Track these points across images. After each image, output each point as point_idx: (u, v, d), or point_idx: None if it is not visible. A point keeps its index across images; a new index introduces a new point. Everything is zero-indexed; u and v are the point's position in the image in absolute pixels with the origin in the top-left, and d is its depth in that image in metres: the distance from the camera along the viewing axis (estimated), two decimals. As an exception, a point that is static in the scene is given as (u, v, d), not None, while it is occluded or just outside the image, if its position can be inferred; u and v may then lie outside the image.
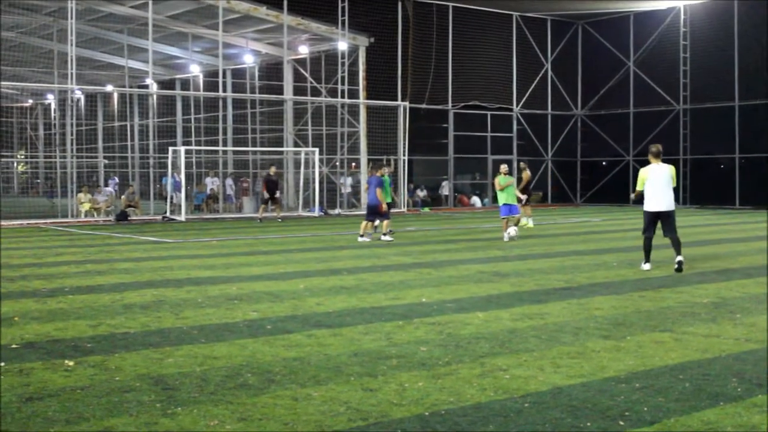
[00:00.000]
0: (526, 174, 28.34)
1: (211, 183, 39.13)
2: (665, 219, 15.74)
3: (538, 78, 47.00)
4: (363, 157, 39.44)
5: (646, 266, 15.89)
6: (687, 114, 43.71)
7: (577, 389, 7.24)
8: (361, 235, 22.91)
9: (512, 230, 22.77)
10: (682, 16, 43.56)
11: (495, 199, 27.77)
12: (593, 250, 19.96)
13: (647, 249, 15.97)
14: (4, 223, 29.54)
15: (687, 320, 10.53)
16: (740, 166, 41.92)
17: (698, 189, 42.85)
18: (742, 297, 12.47)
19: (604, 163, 48.11)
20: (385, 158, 40.73)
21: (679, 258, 15.57)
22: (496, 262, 17.36)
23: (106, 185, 36.59)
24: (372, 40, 39.44)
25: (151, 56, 36.16)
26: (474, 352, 8.69)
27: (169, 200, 34.48)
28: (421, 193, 43.88)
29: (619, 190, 45.70)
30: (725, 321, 10.49)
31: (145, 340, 9.32)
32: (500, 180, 22.87)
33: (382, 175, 23.12)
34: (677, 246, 15.70)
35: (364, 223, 23.26)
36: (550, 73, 47.49)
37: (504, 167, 23.25)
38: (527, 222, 27.98)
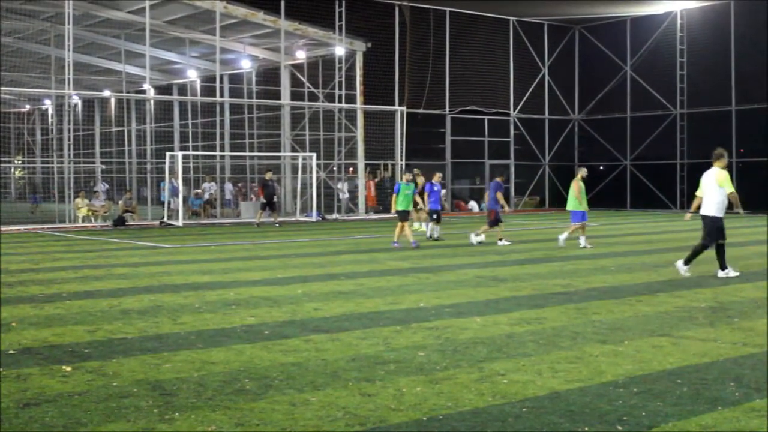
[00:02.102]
0: (420, 180, 28.47)
1: (209, 188, 39.10)
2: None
3: (535, 83, 47.03)
4: (360, 162, 39.45)
5: (683, 269, 15.64)
6: (684, 118, 43.75)
7: (575, 394, 7.23)
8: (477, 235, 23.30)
9: (582, 239, 21.96)
10: (679, 21, 43.63)
11: (561, 203, 26.28)
12: (591, 255, 19.96)
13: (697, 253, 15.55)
14: (1, 228, 29.49)
15: (685, 325, 10.54)
16: (737, 171, 41.95)
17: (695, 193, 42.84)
18: (740, 301, 12.48)
19: (601, 167, 48.14)
20: (383, 163, 40.76)
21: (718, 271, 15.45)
22: (494, 267, 17.36)
23: (94, 191, 36.44)
24: (369, 45, 39.47)
25: (148, 61, 36.15)
26: (472, 356, 8.68)
27: (166, 205, 34.45)
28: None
29: (617, 195, 45.80)
30: (723, 325, 10.50)
31: (143, 346, 9.31)
32: (580, 185, 22.03)
33: (410, 181, 22.43)
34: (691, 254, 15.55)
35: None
36: (547, 77, 47.54)
37: (583, 171, 22.60)
38: (420, 225, 28.17)
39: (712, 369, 8.13)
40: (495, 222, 22.89)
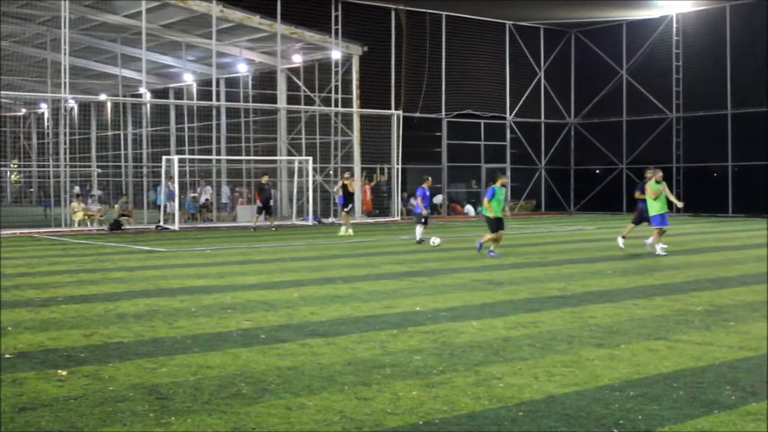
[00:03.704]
0: (351, 183, 29.41)
1: (204, 192, 39.08)
2: None
3: (531, 86, 47.07)
4: (357, 165, 39.45)
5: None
6: (680, 122, 43.81)
7: (571, 398, 7.24)
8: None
9: (659, 246, 20.84)
10: (675, 25, 43.70)
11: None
12: (587, 259, 19.98)
13: None
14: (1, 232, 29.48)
15: (681, 328, 10.54)
16: (733, 174, 42.03)
17: (692, 197, 42.82)
18: (736, 305, 12.49)
19: (597, 171, 48.19)
20: (379, 166, 40.76)
21: None
22: (490, 271, 17.35)
23: (78, 195, 36.34)
24: (365, 48, 39.50)
25: (144, 65, 36.15)
26: (468, 360, 8.68)
27: (162, 209, 34.43)
28: (415, 202, 43.80)
29: (613, 198, 45.82)
30: (719, 329, 10.50)
31: (139, 350, 9.30)
32: (653, 187, 20.53)
33: (503, 185, 21.30)
34: None
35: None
36: (543, 81, 47.58)
37: (660, 174, 20.74)
38: (347, 231, 28.61)
39: (708, 372, 8.14)
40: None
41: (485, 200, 20.62)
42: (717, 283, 15.11)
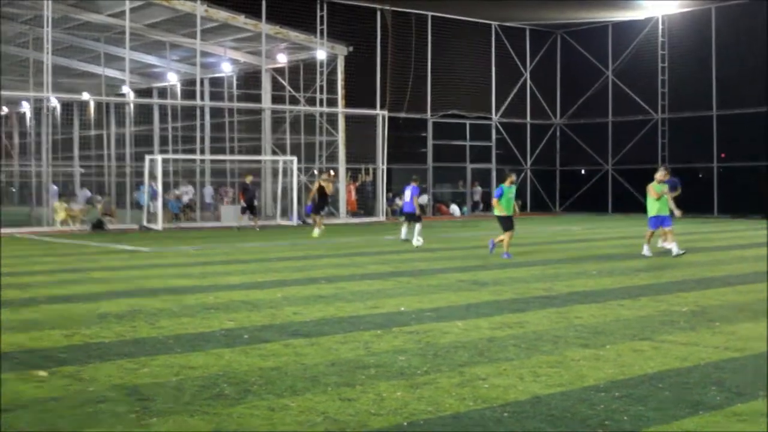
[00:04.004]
0: (329, 186, 28.86)
1: (186, 192, 38.93)
2: None
3: (517, 87, 47.14)
4: (341, 165, 39.41)
5: None
6: (665, 123, 43.96)
7: (556, 398, 7.22)
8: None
9: (670, 244, 20.41)
10: (660, 26, 43.84)
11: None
12: (573, 259, 19.99)
13: None
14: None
15: (666, 329, 10.54)
16: (719, 175, 42.19)
17: (677, 198, 42.95)
18: (721, 305, 12.51)
19: (582, 171, 48.29)
20: (364, 167, 40.72)
21: None
22: (475, 271, 17.35)
23: (61, 195, 36.14)
24: (351, 48, 39.45)
25: (128, 65, 35.97)
26: (453, 361, 8.65)
27: (145, 209, 34.30)
28: (400, 202, 43.75)
29: (598, 199, 45.94)
30: (704, 329, 10.51)
31: (120, 350, 9.23)
32: (656, 188, 20.32)
33: (512, 184, 20.91)
34: None
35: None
36: (529, 82, 47.66)
37: (662, 173, 20.60)
38: (316, 233, 27.95)
39: (693, 373, 8.14)
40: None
41: (494, 200, 20.62)
42: (702, 284, 15.14)
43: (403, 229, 25.45)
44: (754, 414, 6.79)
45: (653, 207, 20.34)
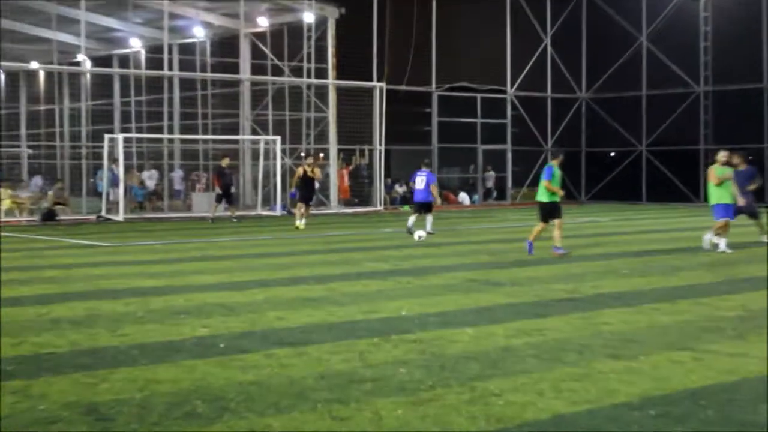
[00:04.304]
0: (317, 171, 28.91)
1: (149, 177, 38.91)
2: None
3: (536, 56, 47.14)
4: (332, 146, 39.43)
5: None
6: (708, 97, 43.95)
7: (582, 417, 7.24)
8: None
9: (722, 242, 20.29)
10: (703, -16, 43.84)
11: (705, 197, 24.75)
12: (601, 255, 20.03)
13: None
14: None
15: (710, 337, 10.56)
16: (769, 158, 42.20)
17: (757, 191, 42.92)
18: (773, 309, 12.54)
19: (612, 154, 48.32)
20: (358, 148, 40.72)
21: None
22: (488, 269, 17.37)
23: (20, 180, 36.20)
24: (343, 11, 39.40)
25: (83, 28, 35.94)
26: (462, 374, 8.67)
27: (104, 197, 34.29)
28: (400, 189, 43.90)
29: (631, 186, 45.92)
30: (754, 337, 10.53)
31: (76, 362, 9.24)
32: (717, 171, 20.02)
33: (559, 164, 20.57)
34: None
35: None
36: (549, 49, 47.64)
37: (723, 154, 20.27)
38: (300, 224, 27.88)
39: (741, 388, 8.16)
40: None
41: (544, 182, 19.83)
42: (752, 284, 15.15)
43: (411, 219, 25.63)
44: (812, 436, 6.81)
45: (714, 194, 20.14)
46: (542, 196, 20.06)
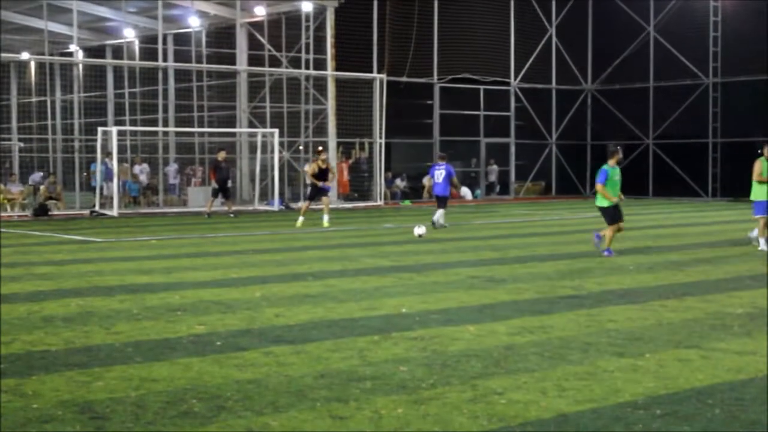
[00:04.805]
0: (323, 160, 27.98)
1: (141, 171, 38.92)
2: None
3: (540, 46, 47.11)
4: (331, 140, 39.41)
5: None
6: (717, 89, 43.94)
7: (586, 416, 7.27)
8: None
9: (762, 240, 19.81)
10: (712, -27, 43.79)
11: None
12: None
13: None
14: None
15: (717, 334, 10.59)
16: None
17: (731, 179, 42.99)
18: (783, 306, 12.57)
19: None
20: (358, 141, 40.73)
21: None
22: (490, 265, 17.39)
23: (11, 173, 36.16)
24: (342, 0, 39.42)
25: (76, 18, 35.93)
26: (464, 372, 8.71)
27: (98, 191, 34.30)
28: (401, 183, 43.92)
29: (637, 180, 45.83)
30: (762, 335, 10.55)
31: (70, 360, 9.27)
32: (764, 165, 19.61)
33: (618, 163, 20.00)
34: None
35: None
36: (554, 39, 47.63)
37: None
38: (323, 220, 27.39)
39: (749, 387, 8.18)
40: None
41: (598, 185, 19.23)
42: (761, 281, 15.17)
43: (437, 213, 26.33)
44: (820, 435, 6.85)
45: (758, 191, 19.63)
46: (600, 200, 19.34)
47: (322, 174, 27.67)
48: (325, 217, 27.47)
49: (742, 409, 7.47)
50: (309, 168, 28.84)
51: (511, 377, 8.51)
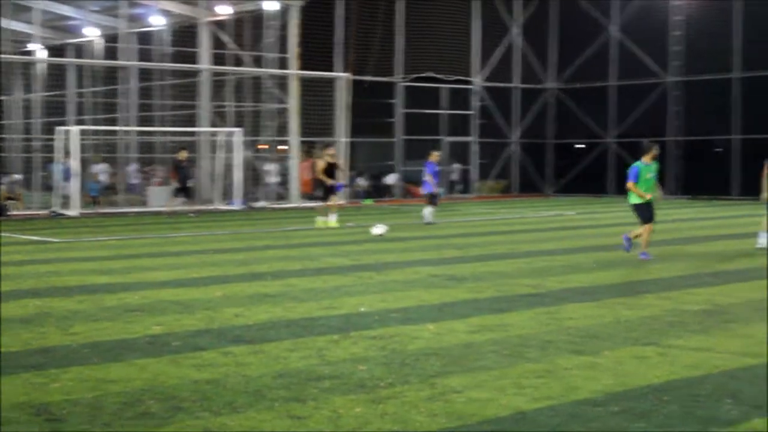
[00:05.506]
0: (331, 155, 27.40)
1: (101, 171, 38.66)
2: None
3: (503, 45, 47.23)
4: (294, 138, 39.35)
5: None
6: (679, 87, 44.22)
7: (544, 414, 7.29)
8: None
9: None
10: (673, -28, 44.07)
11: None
12: (566, 250, 20.12)
13: None
14: None
15: (674, 331, 10.66)
16: (740, 150, 42.49)
17: (690, 176, 43.36)
18: (739, 303, 12.67)
19: (580, 146, 48.52)
20: (321, 140, 40.70)
21: None
22: (450, 264, 17.43)
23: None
24: (306, -1, 39.38)
25: (37, 16, 35.63)
26: (423, 371, 8.71)
27: (58, 191, 34.06)
28: (363, 182, 43.89)
29: (598, 178, 46.15)
30: (718, 332, 10.64)
31: (26, 361, 9.19)
32: None
33: (654, 160, 19.34)
34: None
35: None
36: (517, 38, 47.76)
37: None
38: (326, 220, 26.99)
39: (705, 383, 8.24)
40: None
41: (629, 183, 18.34)
42: (718, 278, 15.30)
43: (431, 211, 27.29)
44: (774, 431, 6.91)
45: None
46: (633, 197, 18.45)
47: (331, 170, 26.90)
48: (332, 217, 26.90)
49: (698, 405, 7.52)
50: (318, 166, 27.73)
51: (469, 375, 8.52)
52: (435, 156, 28.16)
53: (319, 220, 27.14)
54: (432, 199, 27.47)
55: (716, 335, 10.45)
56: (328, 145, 28.19)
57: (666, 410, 7.39)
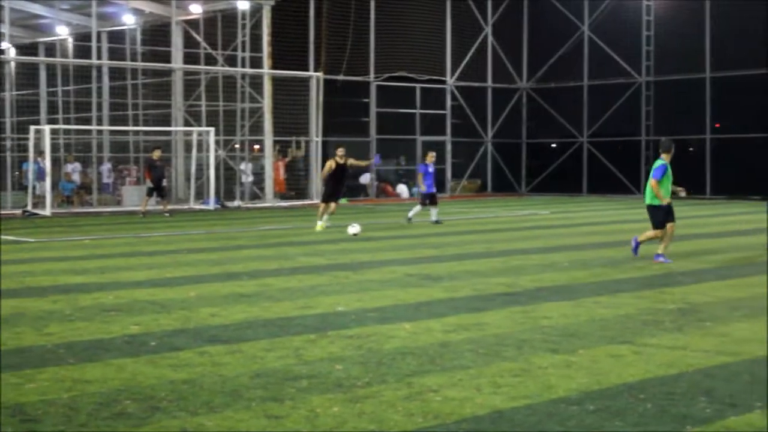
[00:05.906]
0: (343, 159, 26.17)
1: (72, 170, 38.46)
2: None
3: (476, 45, 47.31)
4: (268, 138, 39.25)
5: None
6: (650, 87, 44.44)
7: (520, 413, 7.31)
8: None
9: None
10: (645, -27, 44.26)
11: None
12: (541, 249, 20.18)
13: None
14: None
15: (649, 330, 10.72)
16: (712, 149, 42.73)
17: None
18: (714, 302, 12.74)
19: (553, 145, 48.68)
20: (294, 139, 40.67)
21: None
22: (426, 263, 17.44)
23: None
24: (279, -3, 39.30)
25: (7, 14, 35.43)
26: (399, 370, 8.72)
27: (30, 191, 33.88)
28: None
29: (571, 178, 46.30)
30: (693, 331, 10.70)
31: (1, 362, 9.15)
32: None
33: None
34: None
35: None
36: (490, 38, 47.86)
37: None
38: (321, 224, 25.61)
39: (680, 382, 8.28)
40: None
41: (652, 181, 17.35)
42: (692, 277, 15.39)
43: (433, 211, 27.45)
44: (749, 429, 6.94)
45: None
46: (652, 198, 17.59)
47: (340, 171, 26.03)
48: (321, 222, 25.63)
49: (673, 404, 7.56)
50: (325, 166, 26.65)
51: (446, 374, 8.54)
52: (430, 157, 28.18)
53: (318, 225, 25.49)
54: (431, 199, 27.54)
55: (691, 334, 10.52)
56: (339, 145, 27.07)
57: (641, 408, 7.42)
